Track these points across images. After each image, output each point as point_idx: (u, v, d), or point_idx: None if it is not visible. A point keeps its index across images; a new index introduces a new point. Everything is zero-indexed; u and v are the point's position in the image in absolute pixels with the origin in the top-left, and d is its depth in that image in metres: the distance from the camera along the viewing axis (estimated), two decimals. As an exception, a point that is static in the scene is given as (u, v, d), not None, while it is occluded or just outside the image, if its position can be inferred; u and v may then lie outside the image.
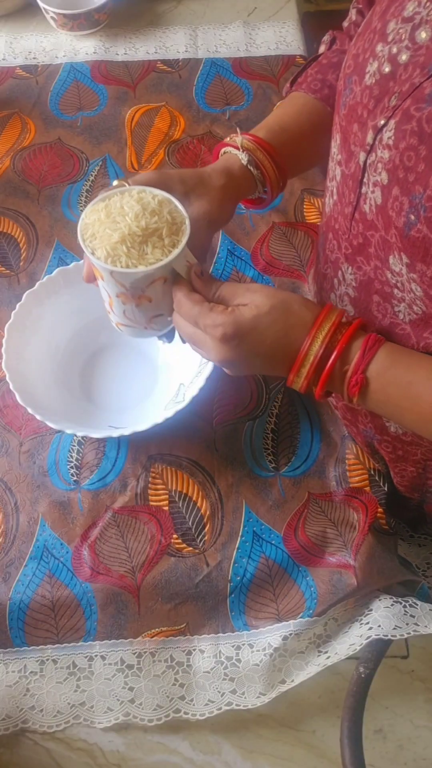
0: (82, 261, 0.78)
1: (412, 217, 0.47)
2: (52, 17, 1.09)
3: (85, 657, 0.65)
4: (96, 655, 0.65)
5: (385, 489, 0.71)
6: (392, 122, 0.48)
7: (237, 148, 0.62)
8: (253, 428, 0.75)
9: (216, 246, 0.89)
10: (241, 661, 0.64)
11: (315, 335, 0.52)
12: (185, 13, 1.18)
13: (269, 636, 0.65)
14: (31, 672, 0.64)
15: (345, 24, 0.71)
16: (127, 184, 0.55)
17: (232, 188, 0.60)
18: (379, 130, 0.49)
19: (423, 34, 0.47)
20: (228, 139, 0.63)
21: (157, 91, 1.06)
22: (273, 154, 0.63)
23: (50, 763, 0.62)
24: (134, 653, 0.65)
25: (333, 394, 0.64)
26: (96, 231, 0.52)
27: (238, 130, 0.64)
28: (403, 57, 0.48)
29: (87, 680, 0.64)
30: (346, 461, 0.73)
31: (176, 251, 0.51)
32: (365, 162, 0.52)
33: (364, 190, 0.53)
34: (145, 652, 0.65)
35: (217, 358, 0.54)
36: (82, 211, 0.92)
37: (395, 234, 0.49)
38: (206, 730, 0.64)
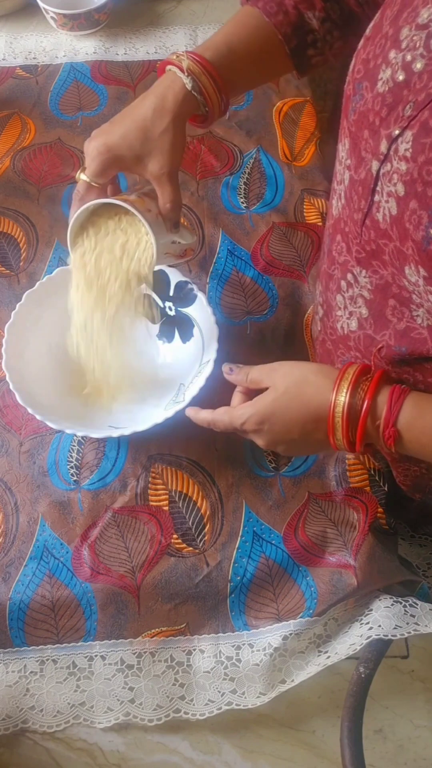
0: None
1: (431, 231, 0.46)
2: (52, 17, 1.09)
3: (85, 657, 0.65)
4: (96, 655, 0.65)
5: (385, 489, 0.71)
6: (409, 133, 0.47)
7: (182, 70, 0.62)
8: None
9: (216, 245, 0.89)
10: (241, 661, 0.64)
11: (337, 394, 0.54)
12: (185, 13, 1.18)
13: (269, 636, 0.65)
14: (31, 672, 0.64)
15: None
16: (93, 183, 0.63)
17: (177, 122, 0.62)
18: (393, 140, 0.49)
19: None
20: (174, 57, 0.63)
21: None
22: (217, 79, 0.64)
23: (50, 763, 0.62)
24: (134, 653, 0.65)
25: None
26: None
27: (184, 52, 0.64)
28: (418, 65, 0.47)
29: (87, 680, 0.64)
30: (346, 461, 0.73)
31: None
32: (378, 171, 0.51)
33: (377, 198, 0.52)
34: (145, 652, 0.65)
35: (262, 444, 0.60)
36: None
37: (412, 247, 0.49)
38: (206, 730, 0.64)
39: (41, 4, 1.07)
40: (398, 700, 0.66)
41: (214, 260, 0.88)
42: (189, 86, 0.62)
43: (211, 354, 0.71)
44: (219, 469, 0.73)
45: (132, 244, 0.63)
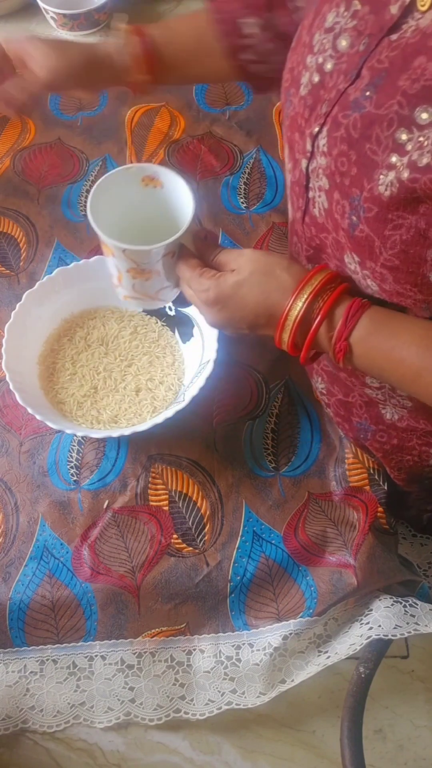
0: (81, 261, 0.79)
1: (354, 218, 0.49)
2: (52, 17, 1.09)
3: (85, 657, 0.65)
4: (96, 655, 0.65)
5: (385, 488, 0.71)
6: (325, 130, 0.51)
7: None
8: (253, 428, 0.75)
9: (217, 240, 0.89)
10: (241, 661, 0.64)
11: (295, 299, 0.54)
12: (185, 13, 1.18)
13: (269, 636, 0.65)
14: (31, 672, 0.64)
15: None
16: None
17: (93, 60, 0.68)
18: (314, 137, 0.52)
19: (343, 42, 0.49)
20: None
21: (157, 91, 1.06)
22: (149, 51, 0.70)
23: (50, 763, 0.62)
24: (134, 653, 0.65)
25: (325, 392, 0.68)
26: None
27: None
28: (329, 66, 0.51)
29: (87, 680, 0.64)
30: (346, 461, 0.73)
31: (182, 229, 0.56)
32: (307, 168, 0.54)
33: (311, 194, 0.55)
34: (145, 652, 0.65)
35: (207, 320, 0.59)
36: (82, 211, 0.92)
37: (344, 235, 0.51)
38: (206, 729, 0.64)
39: (41, 4, 1.07)
40: (398, 700, 0.66)
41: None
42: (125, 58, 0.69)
43: (211, 354, 0.71)
44: (219, 469, 0.73)
45: None
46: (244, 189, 0.95)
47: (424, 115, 0.43)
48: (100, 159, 0.98)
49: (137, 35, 0.69)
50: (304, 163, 0.54)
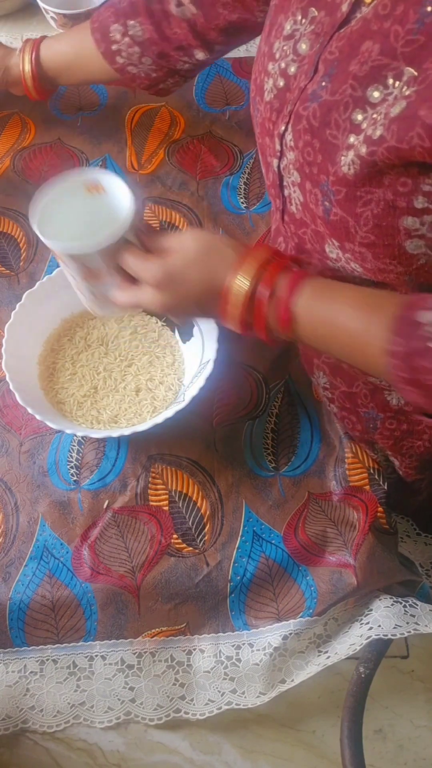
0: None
1: (327, 203, 0.51)
2: (52, 17, 1.09)
3: (86, 657, 0.65)
4: (96, 655, 0.65)
5: (385, 488, 0.71)
6: (290, 126, 0.53)
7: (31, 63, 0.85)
8: (253, 428, 0.75)
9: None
10: (241, 661, 0.64)
11: (240, 272, 0.54)
12: (185, 13, 1.18)
13: (269, 635, 0.65)
14: (31, 672, 0.64)
15: None
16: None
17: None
18: (281, 136, 0.55)
19: (303, 46, 0.53)
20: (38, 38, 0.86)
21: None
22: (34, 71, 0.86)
23: (50, 763, 0.62)
24: (134, 653, 0.65)
25: (328, 386, 0.70)
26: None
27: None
28: (292, 69, 0.54)
29: (87, 680, 0.64)
30: (346, 461, 0.73)
31: (120, 221, 0.55)
32: (279, 167, 0.57)
33: (286, 192, 0.58)
34: (145, 652, 0.65)
35: (157, 307, 0.57)
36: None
37: (321, 223, 0.54)
38: (206, 729, 0.64)
39: (41, 4, 1.07)
40: (398, 700, 0.66)
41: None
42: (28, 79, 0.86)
43: (211, 354, 0.71)
44: (219, 469, 0.73)
45: None
46: (244, 189, 0.95)
47: (376, 93, 0.46)
48: (100, 159, 0.98)
49: (31, 52, 0.85)
50: (275, 162, 0.57)
